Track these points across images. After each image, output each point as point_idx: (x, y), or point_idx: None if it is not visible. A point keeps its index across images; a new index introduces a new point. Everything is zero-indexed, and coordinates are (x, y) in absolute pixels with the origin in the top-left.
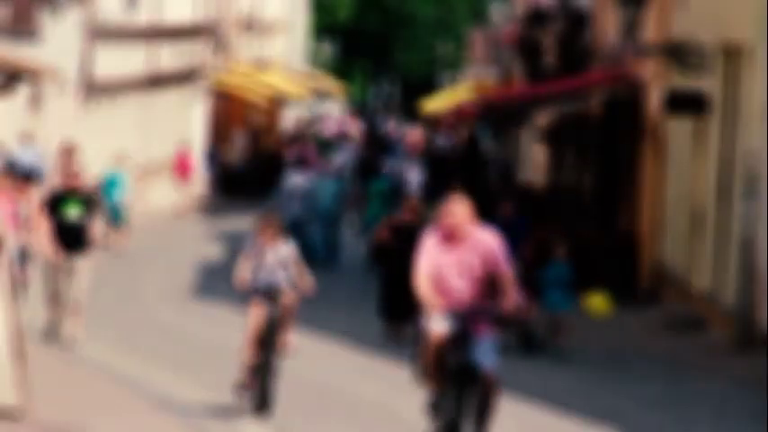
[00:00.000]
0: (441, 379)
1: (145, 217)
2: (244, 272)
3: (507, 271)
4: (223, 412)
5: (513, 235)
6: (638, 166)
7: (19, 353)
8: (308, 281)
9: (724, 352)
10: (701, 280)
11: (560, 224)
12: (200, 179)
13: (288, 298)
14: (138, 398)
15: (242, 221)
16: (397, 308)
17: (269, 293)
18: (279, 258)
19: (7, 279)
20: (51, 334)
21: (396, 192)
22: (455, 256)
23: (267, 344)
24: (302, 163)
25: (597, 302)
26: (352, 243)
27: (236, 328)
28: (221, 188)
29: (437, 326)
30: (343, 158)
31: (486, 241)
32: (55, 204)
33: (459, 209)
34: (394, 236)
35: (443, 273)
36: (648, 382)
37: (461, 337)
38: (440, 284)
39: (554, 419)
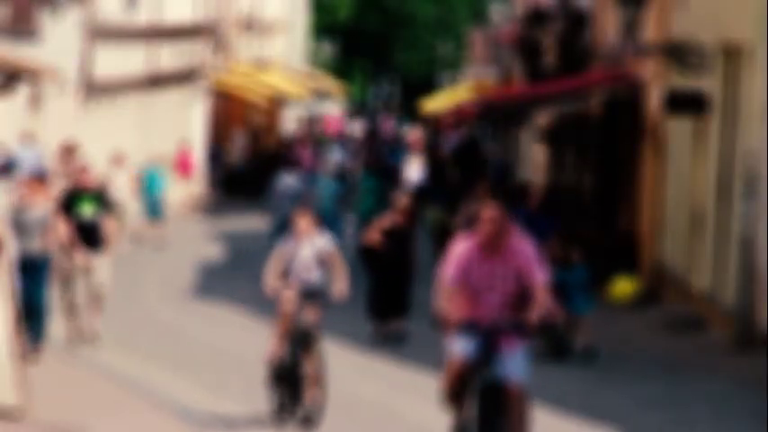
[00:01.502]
0: (463, 402)
1: (142, 218)
2: (274, 276)
3: (541, 279)
4: (223, 412)
5: (537, 230)
6: (638, 166)
7: (19, 353)
8: (343, 283)
9: (724, 352)
10: (701, 280)
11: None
12: (200, 178)
13: (314, 312)
14: (138, 398)
15: (242, 221)
16: (387, 308)
17: (304, 294)
18: (315, 251)
19: (7, 279)
20: (73, 343)
21: (389, 188)
22: (489, 267)
23: (296, 345)
24: (293, 163)
25: (622, 287)
26: (351, 243)
27: (236, 328)
28: (221, 188)
29: (459, 348)
30: (339, 158)
31: (523, 252)
32: (69, 204)
33: (499, 217)
34: (385, 239)
35: (474, 284)
36: (648, 382)
37: (486, 355)
38: (469, 295)
39: (554, 419)
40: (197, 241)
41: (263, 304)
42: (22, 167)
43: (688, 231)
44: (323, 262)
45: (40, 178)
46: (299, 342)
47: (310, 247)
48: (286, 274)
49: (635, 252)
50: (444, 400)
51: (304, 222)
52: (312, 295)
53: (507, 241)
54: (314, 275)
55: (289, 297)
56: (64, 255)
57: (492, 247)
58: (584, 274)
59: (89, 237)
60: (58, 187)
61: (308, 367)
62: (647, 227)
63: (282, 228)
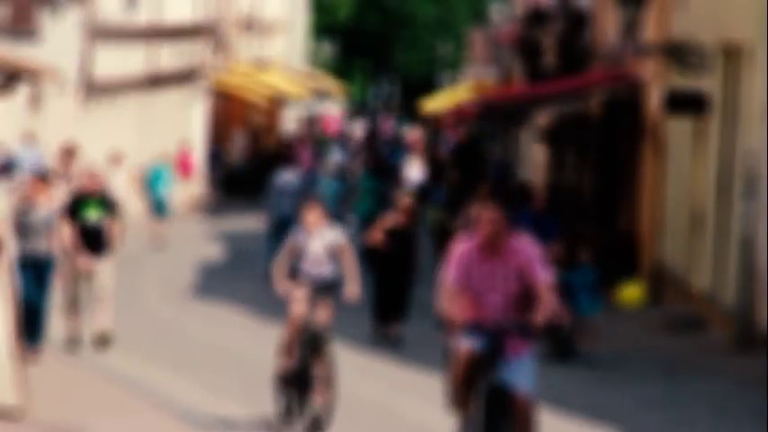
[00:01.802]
0: (470, 401)
1: (145, 216)
2: (283, 274)
3: (544, 280)
4: (223, 412)
5: (543, 231)
6: (638, 166)
7: (19, 353)
8: (355, 283)
9: (724, 352)
10: (701, 280)
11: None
12: (201, 178)
13: (325, 312)
14: (139, 398)
15: (242, 221)
16: (388, 310)
17: (316, 289)
18: (326, 244)
19: (7, 280)
20: (73, 343)
21: (389, 189)
22: (490, 268)
23: (306, 348)
24: (291, 161)
25: (630, 293)
26: (352, 244)
27: (236, 328)
28: (221, 188)
29: (466, 342)
30: (339, 158)
31: (524, 251)
32: (75, 208)
33: (497, 217)
34: (388, 239)
35: (476, 286)
36: (648, 382)
37: (492, 357)
38: (471, 297)
39: (554, 419)
40: (197, 241)
41: (264, 304)
42: (22, 167)
43: (688, 231)
44: (334, 255)
45: (42, 178)
46: (310, 344)
47: (320, 240)
48: (295, 270)
49: (635, 252)
50: (450, 400)
51: (313, 216)
52: (325, 290)
53: (507, 241)
54: (325, 269)
55: (299, 297)
56: (68, 258)
57: (491, 248)
58: (591, 274)
59: (93, 241)
60: (58, 188)
61: (318, 370)
62: (647, 227)
63: (281, 227)
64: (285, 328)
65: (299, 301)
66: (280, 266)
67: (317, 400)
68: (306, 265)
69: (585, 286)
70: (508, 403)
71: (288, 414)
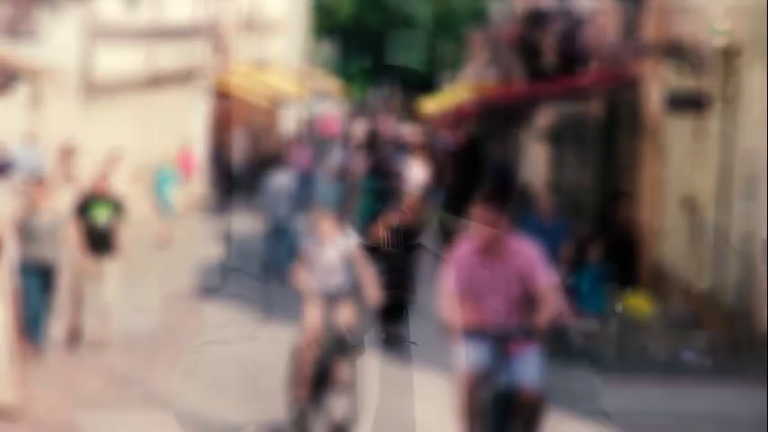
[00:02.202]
0: (475, 419)
1: (145, 216)
2: (302, 275)
3: (547, 283)
4: (222, 413)
5: (551, 238)
6: (638, 165)
7: (19, 353)
8: (374, 287)
9: (724, 352)
10: (701, 280)
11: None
12: (201, 178)
13: (347, 314)
14: (138, 398)
15: (243, 221)
16: (390, 310)
17: (328, 299)
18: (339, 253)
19: (7, 280)
20: (74, 340)
21: (389, 189)
22: (490, 271)
23: (326, 353)
24: (288, 163)
25: (638, 303)
26: None
27: (236, 329)
28: (222, 188)
29: (469, 357)
30: (339, 159)
31: (524, 254)
32: (83, 209)
33: (497, 217)
34: (390, 236)
35: (476, 289)
36: (648, 382)
37: (496, 363)
38: (472, 302)
39: (554, 419)
40: (197, 241)
41: (263, 304)
42: (21, 168)
43: (688, 231)
44: (348, 263)
45: (44, 182)
46: (333, 347)
47: (334, 249)
48: (308, 275)
49: (634, 252)
50: (458, 415)
51: (326, 224)
52: (341, 297)
53: (506, 243)
54: (339, 278)
55: (313, 305)
56: (74, 259)
57: (491, 251)
58: (597, 273)
59: (101, 242)
60: (57, 189)
61: (340, 374)
62: (647, 227)
63: (278, 229)
64: (299, 338)
65: (313, 309)
66: (298, 272)
67: (337, 407)
68: (318, 275)
69: (592, 285)
70: (515, 407)
71: (302, 419)
